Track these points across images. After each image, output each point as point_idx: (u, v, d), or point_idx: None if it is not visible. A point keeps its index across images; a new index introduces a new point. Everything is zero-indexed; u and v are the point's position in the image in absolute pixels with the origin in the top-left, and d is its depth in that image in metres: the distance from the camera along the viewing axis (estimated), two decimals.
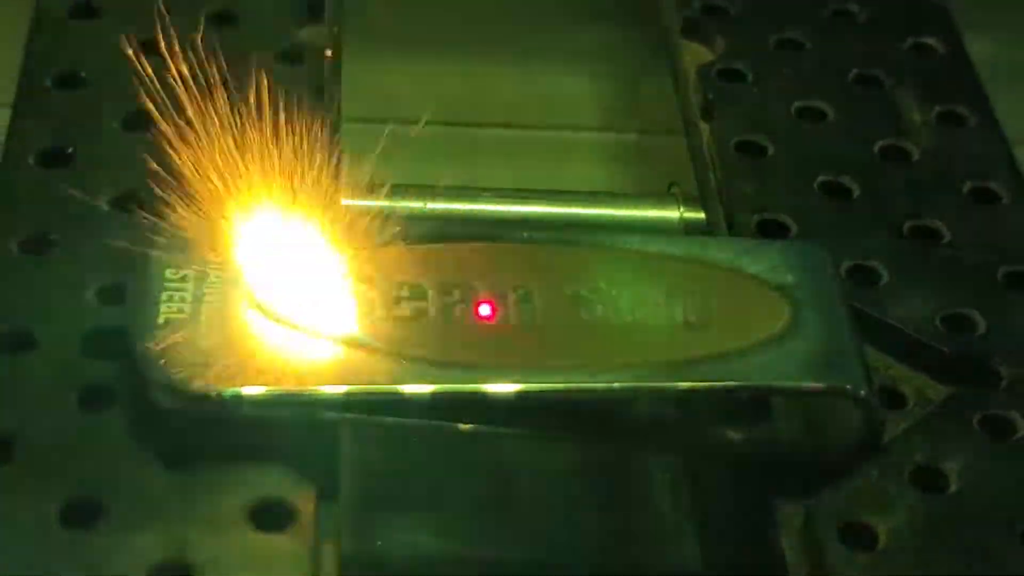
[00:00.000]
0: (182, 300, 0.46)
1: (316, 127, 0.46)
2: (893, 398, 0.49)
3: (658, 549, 0.50)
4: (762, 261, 0.49)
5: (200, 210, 0.46)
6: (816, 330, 0.47)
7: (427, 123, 0.62)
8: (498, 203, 0.57)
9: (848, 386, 0.46)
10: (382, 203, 0.57)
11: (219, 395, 0.44)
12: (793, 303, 0.48)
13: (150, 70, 0.47)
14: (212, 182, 0.45)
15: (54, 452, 0.44)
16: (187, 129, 0.46)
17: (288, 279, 0.46)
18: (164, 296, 0.46)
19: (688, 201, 0.57)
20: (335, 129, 0.57)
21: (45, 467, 0.44)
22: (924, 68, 0.61)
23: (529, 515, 0.50)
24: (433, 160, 0.63)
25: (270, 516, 0.43)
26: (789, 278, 0.49)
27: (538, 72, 0.70)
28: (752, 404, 0.47)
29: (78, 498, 0.43)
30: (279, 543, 0.43)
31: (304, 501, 0.44)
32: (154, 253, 0.46)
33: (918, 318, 0.51)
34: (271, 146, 0.46)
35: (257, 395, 0.44)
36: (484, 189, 0.58)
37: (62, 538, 0.42)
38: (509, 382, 0.45)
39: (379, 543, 0.49)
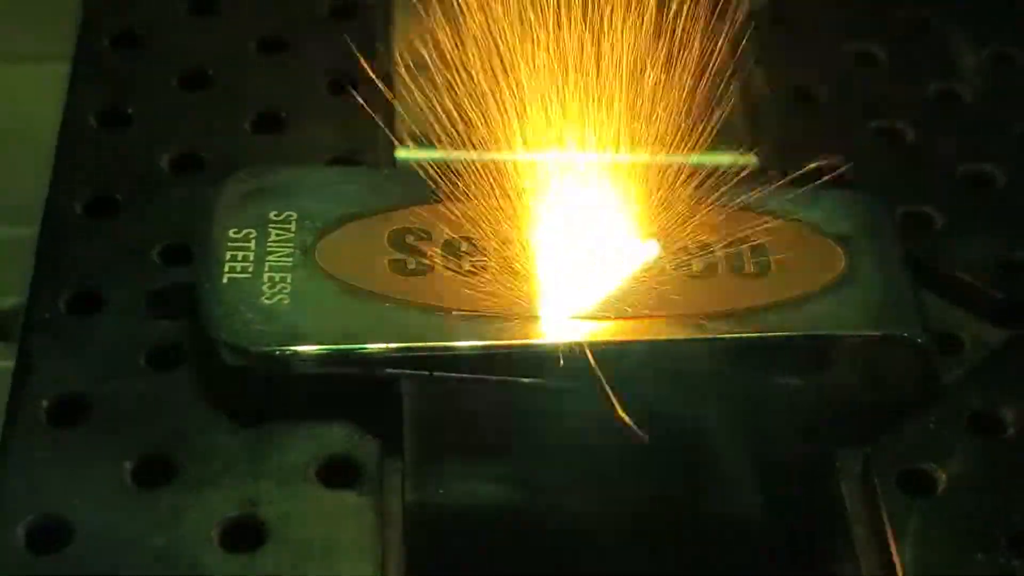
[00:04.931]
0: (245, 260, 0.46)
1: None
2: (950, 343, 0.50)
3: (718, 495, 0.50)
4: (818, 210, 0.49)
5: None
6: (873, 278, 0.47)
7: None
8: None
9: (905, 334, 0.46)
10: (437, 154, 0.57)
11: (282, 353, 0.45)
12: (850, 251, 0.48)
13: None
14: None
15: (125, 412, 0.45)
16: None
17: (351, 238, 0.47)
18: (228, 256, 0.46)
19: (742, 147, 0.57)
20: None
21: (117, 427, 0.45)
22: (975, 9, 0.61)
23: (588, 463, 0.50)
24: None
25: (337, 472, 0.44)
26: (845, 226, 0.49)
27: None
28: (810, 352, 0.47)
29: (150, 457, 0.44)
30: (346, 499, 0.44)
31: (369, 457, 0.45)
32: (218, 212, 0.47)
33: (973, 263, 0.51)
34: None
35: (318, 353, 0.45)
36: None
37: (136, 496, 0.44)
38: (565, 335, 0.46)
39: (440, 492, 0.50)
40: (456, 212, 0.47)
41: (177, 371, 0.46)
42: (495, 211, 0.47)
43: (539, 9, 0.46)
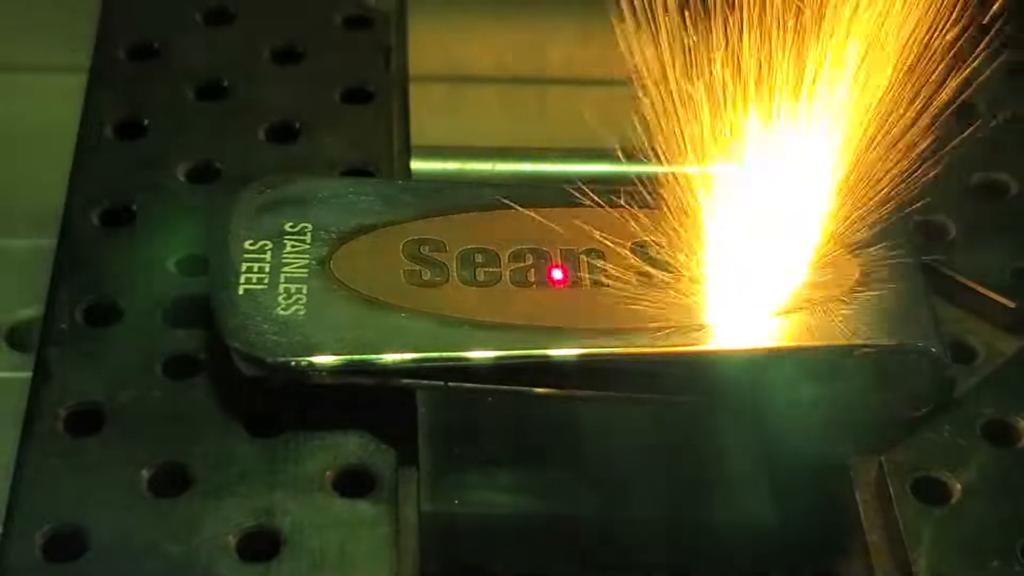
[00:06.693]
0: (261, 271, 0.46)
1: None
2: (963, 351, 0.50)
3: (731, 505, 0.50)
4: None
5: None
6: (887, 287, 0.47)
7: (490, 81, 0.63)
8: (564, 163, 0.58)
9: (919, 343, 0.46)
10: (450, 165, 0.58)
11: (298, 364, 0.45)
12: (863, 260, 0.48)
13: None
14: None
15: (142, 421, 0.45)
16: None
17: (367, 249, 0.47)
18: (244, 267, 0.46)
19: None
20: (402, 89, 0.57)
21: (134, 437, 0.45)
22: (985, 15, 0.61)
23: (603, 473, 0.51)
24: (498, 119, 0.64)
25: (352, 482, 0.44)
26: (858, 235, 0.49)
27: (599, 27, 0.70)
28: (824, 362, 0.47)
29: (166, 466, 0.44)
30: (362, 508, 0.44)
31: (385, 467, 0.45)
32: (233, 223, 0.47)
33: (987, 272, 0.51)
34: None
35: (334, 363, 0.45)
36: (550, 149, 0.58)
37: (152, 505, 0.44)
38: (580, 346, 0.46)
39: (456, 502, 0.50)
40: None
41: (193, 381, 0.46)
42: None
43: None
